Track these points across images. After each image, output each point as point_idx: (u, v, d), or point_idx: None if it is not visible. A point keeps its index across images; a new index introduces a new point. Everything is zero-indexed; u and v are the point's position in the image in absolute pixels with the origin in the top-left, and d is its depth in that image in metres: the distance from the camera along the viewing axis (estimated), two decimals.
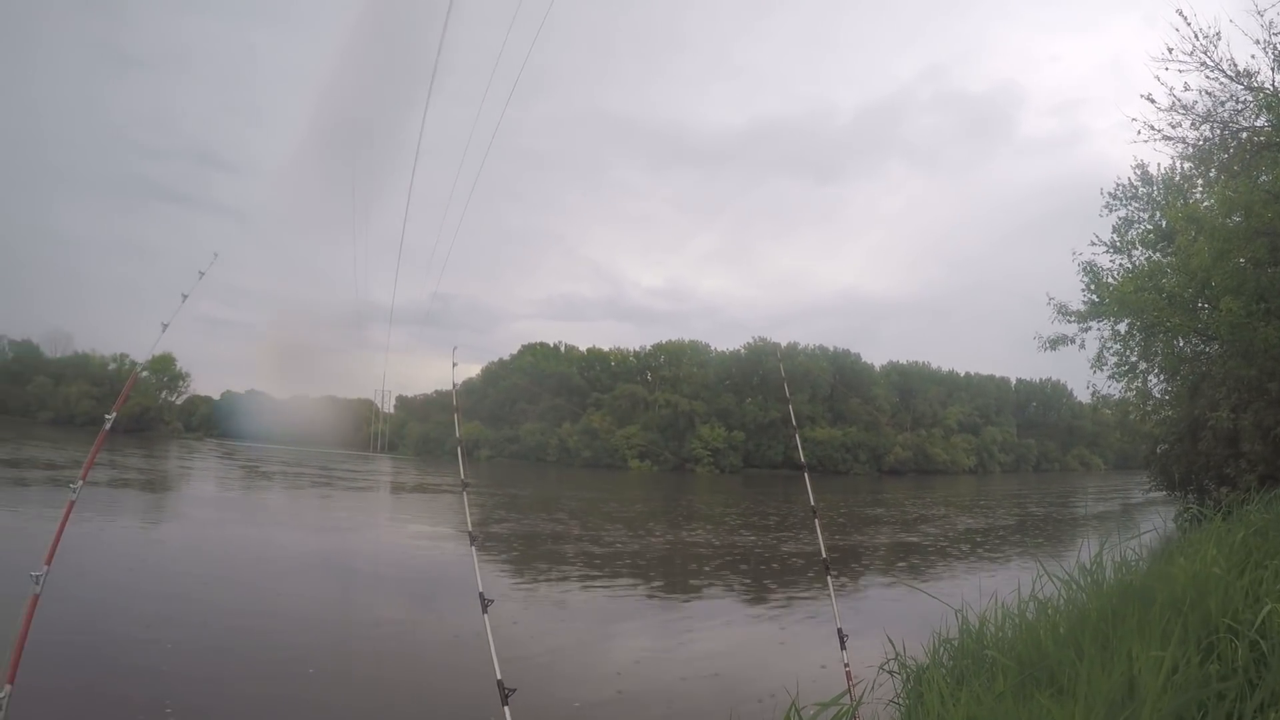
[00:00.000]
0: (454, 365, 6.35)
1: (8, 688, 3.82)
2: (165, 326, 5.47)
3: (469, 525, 5.46)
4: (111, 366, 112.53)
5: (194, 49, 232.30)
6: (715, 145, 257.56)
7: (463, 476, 5.90)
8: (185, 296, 5.63)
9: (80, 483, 4.58)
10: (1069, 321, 25.07)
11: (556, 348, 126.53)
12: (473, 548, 5.43)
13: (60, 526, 4.38)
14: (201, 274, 5.87)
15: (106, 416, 5.08)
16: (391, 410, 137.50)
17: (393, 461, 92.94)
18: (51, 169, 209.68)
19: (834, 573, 6.77)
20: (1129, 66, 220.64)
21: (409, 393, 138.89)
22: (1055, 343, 25.47)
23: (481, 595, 5.00)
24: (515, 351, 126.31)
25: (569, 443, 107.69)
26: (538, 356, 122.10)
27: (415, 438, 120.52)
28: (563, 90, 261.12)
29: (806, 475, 7.36)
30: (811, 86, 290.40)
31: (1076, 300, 24.97)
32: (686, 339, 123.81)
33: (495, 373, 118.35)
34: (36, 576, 4.12)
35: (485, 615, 4.92)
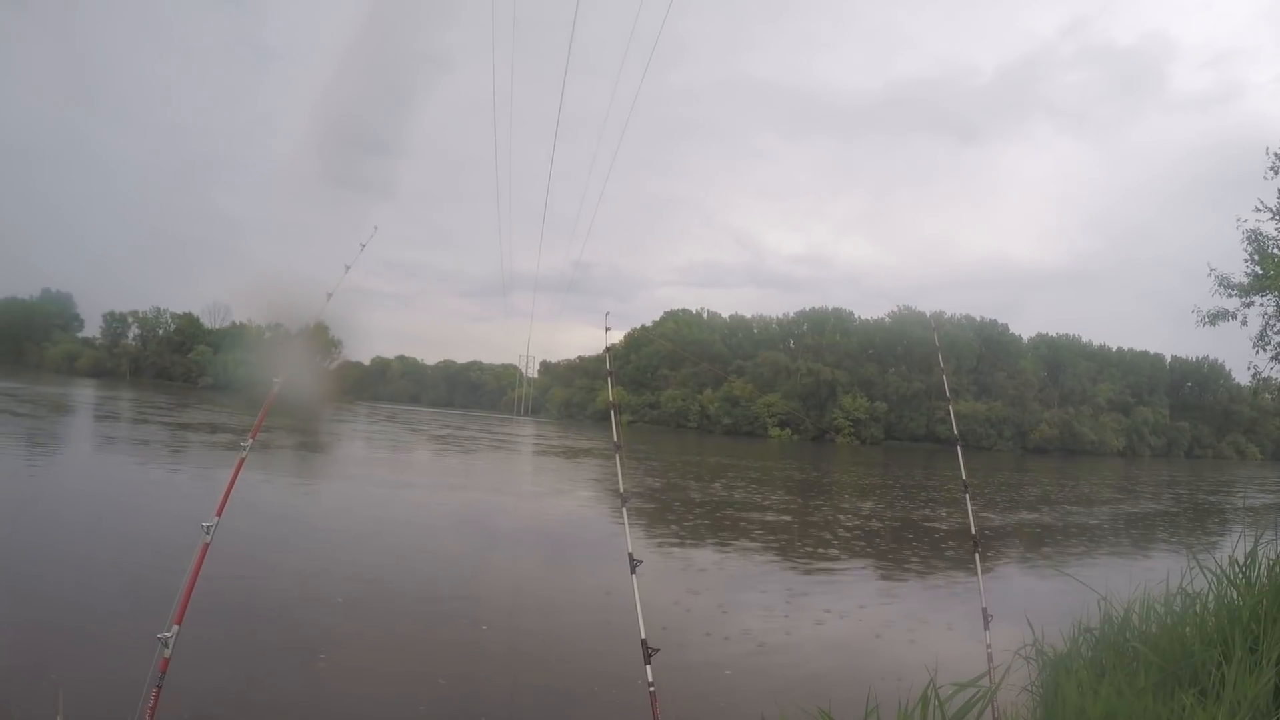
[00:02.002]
0: (606, 330, 6.44)
1: (175, 628, 4.03)
2: (330, 296, 5.70)
3: (621, 488, 5.55)
4: (267, 335, 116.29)
5: (325, 35, 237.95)
6: (853, 109, 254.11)
7: (615, 439, 5.97)
8: (348, 267, 5.85)
9: (250, 441, 4.82)
10: (1230, 295, 24.00)
11: (699, 314, 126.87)
12: (624, 509, 5.50)
13: (231, 480, 4.58)
14: (363, 246, 6.07)
15: (275, 379, 5.31)
16: (536, 375, 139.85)
17: (537, 425, 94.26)
18: (212, 158, 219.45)
19: (980, 551, 6.69)
20: None
21: (553, 358, 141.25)
22: (1215, 318, 24.35)
23: (630, 556, 5.07)
24: (658, 318, 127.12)
25: (709, 409, 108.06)
26: (680, 323, 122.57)
27: (559, 402, 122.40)
28: (699, 59, 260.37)
29: (959, 450, 7.28)
30: (948, 46, 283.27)
31: (1239, 272, 23.92)
32: (829, 306, 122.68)
33: (638, 339, 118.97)
34: (207, 527, 4.34)
35: (634, 576, 5.00)
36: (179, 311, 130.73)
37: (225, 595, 9.88)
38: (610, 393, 6.75)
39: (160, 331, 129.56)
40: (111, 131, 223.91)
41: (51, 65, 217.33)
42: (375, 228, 6.33)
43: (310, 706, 7.77)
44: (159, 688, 3.97)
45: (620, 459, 6.01)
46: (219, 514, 4.41)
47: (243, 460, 4.74)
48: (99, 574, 11.67)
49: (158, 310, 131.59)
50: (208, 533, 4.33)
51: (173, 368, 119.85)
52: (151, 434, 35.07)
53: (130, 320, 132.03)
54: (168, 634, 3.98)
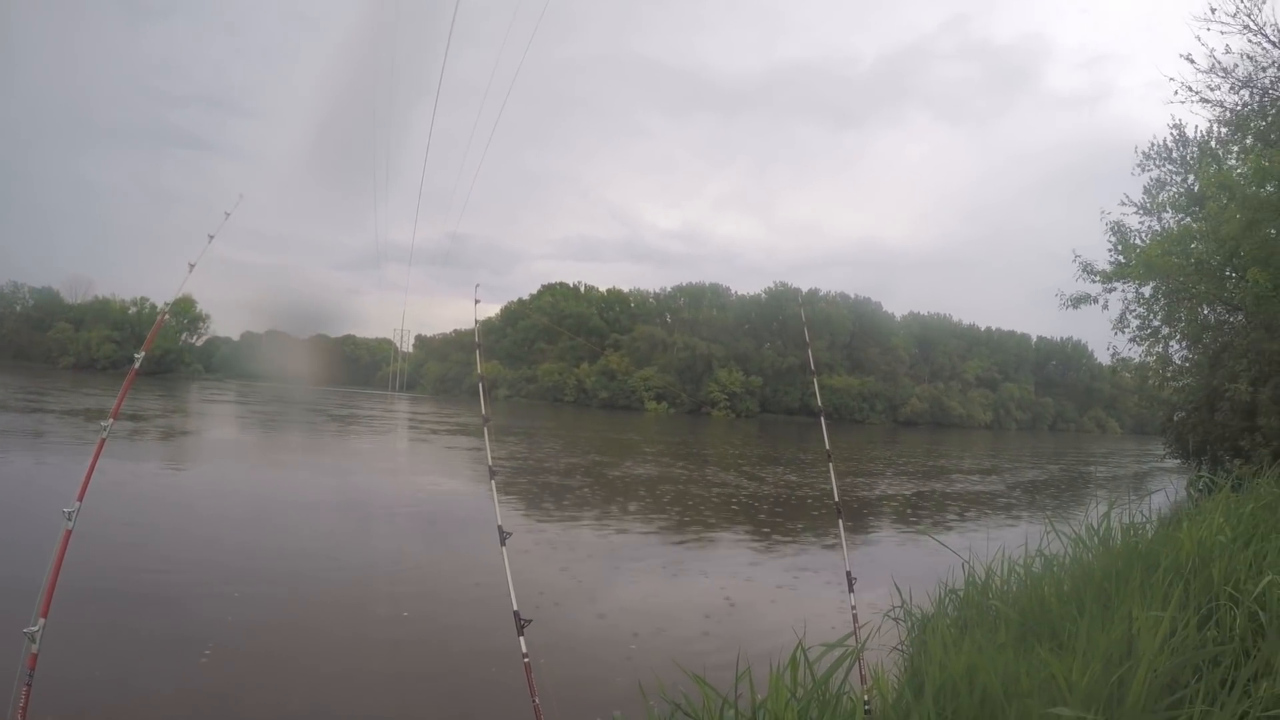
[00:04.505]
0: (476, 303, 6.37)
1: (41, 621, 3.90)
2: (192, 267, 5.49)
3: (489, 460, 5.53)
4: (132, 310, 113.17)
5: None
6: (734, 89, 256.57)
7: (484, 412, 5.98)
8: (211, 237, 5.64)
9: (110, 421, 4.61)
10: (1093, 281, 24.93)
11: (576, 288, 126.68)
12: (492, 483, 5.50)
13: (92, 463, 4.41)
14: (227, 214, 5.87)
15: (135, 356, 5.10)
16: (410, 350, 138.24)
17: (411, 401, 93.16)
18: (71, 117, 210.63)
19: (845, 519, 6.84)
20: (1164, 24, 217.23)
21: (428, 332, 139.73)
22: (1078, 301, 25.34)
23: (500, 529, 5.07)
24: (535, 291, 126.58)
25: (586, 383, 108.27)
26: (557, 296, 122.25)
27: (434, 377, 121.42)
28: (583, 34, 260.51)
29: (823, 421, 7.44)
30: (831, 33, 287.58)
31: (1102, 260, 24.82)
32: (706, 282, 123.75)
33: (515, 312, 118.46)
34: (68, 512, 4.16)
35: (504, 548, 5.00)
36: (37, 286, 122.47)
37: (96, 584, 9.64)
38: (479, 366, 6.77)
39: (18, 308, 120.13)
40: None
41: None
42: (240, 195, 6.18)
43: (191, 699, 7.58)
44: (29, 685, 3.87)
45: (488, 432, 6.00)
46: (80, 498, 4.26)
47: (103, 441, 4.54)
48: None
49: (15, 285, 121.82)
50: (69, 519, 4.17)
51: (31, 347, 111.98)
52: (16, 422, 33.62)
53: None
54: (34, 628, 3.87)
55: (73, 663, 7.33)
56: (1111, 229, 24.54)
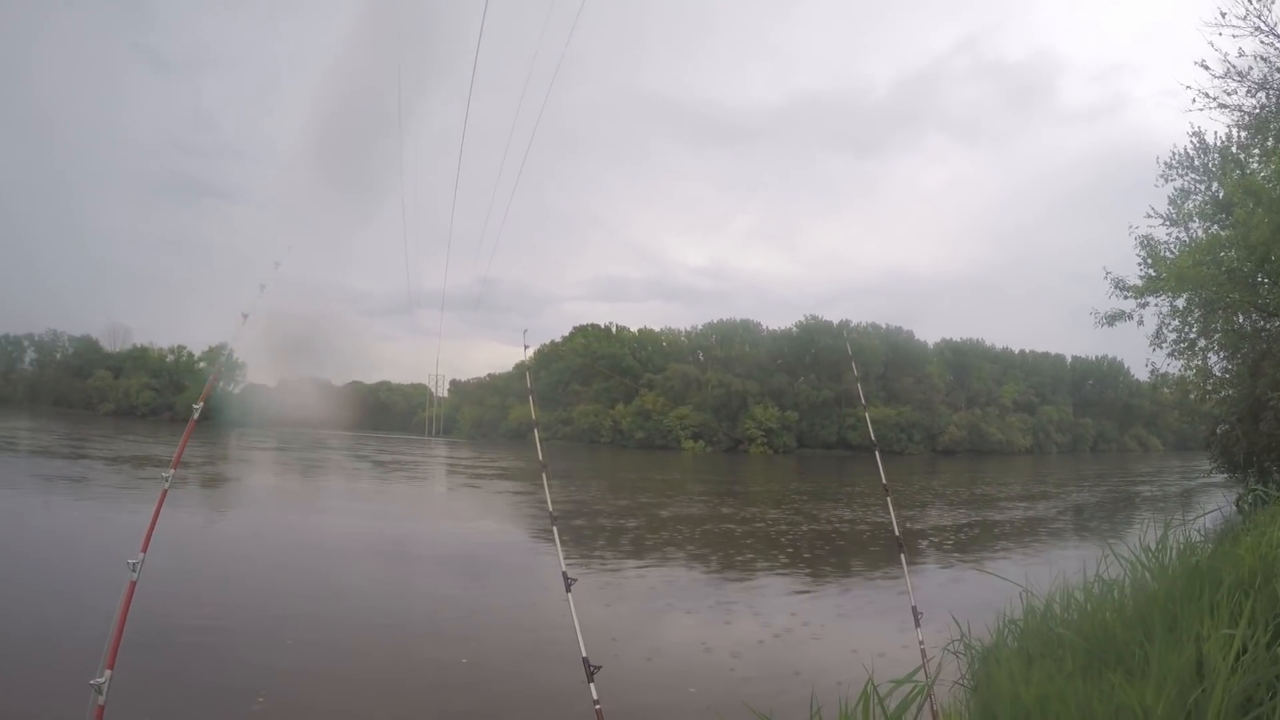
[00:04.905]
0: (525, 348, 6.45)
1: (107, 673, 3.90)
2: (246, 317, 5.59)
3: (550, 506, 5.59)
4: (169, 359, 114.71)
5: (221, 49, 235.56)
6: (753, 123, 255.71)
7: (540, 458, 6.01)
8: (263, 287, 5.71)
9: (171, 471, 4.68)
10: (1126, 297, 24.63)
11: (608, 329, 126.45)
12: (555, 529, 5.55)
13: (155, 514, 4.44)
14: (277, 264, 5.95)
15: (195, 406, 5.24)
16: (446, 394, 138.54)
17: (449, 445, 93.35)
18: (102, 171, 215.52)
19: (902, 554, 6.84)
20: (1173, 31, 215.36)
21: (462, 377, 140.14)
22: (1112, 319, 25.06)
23: (565, 575, 5.12)
24: (567, 333, 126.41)
25: (622, 424, 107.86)
26: (589, 338, 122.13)
27: (470, 421, 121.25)
28: (599, 74, 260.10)
29: (877, 455, 7.46)
30: (845, 61, 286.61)
31: (1134, 275, 24.56)
32: (737, 318, 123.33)
33: (548, 355, 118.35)
34: (133, 564, 4.18)
35: (569, 595, 5.04)
36: (77, 334, 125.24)
37: (151, 633, 9.69)
38: (533, 411, 6.80)
39: (58, 356, 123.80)
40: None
41: None
42: (289, 247, 6.28)
43: None
44: None
45: (546, 477, 6.05)
46: (144, 549, 4.30)
47: (165, 492, 4.63)
48: (23, 619, 11.30)
49: (54, 333, 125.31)
50: (134, 570, 4.20)
51: (72, 394, 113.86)
52: (65, 469, 33.95)
53: (26, 344, 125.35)
54: (100, 679, 3.88)
55: (136, 713, 7.37)
56: (1140, 243, 24.18)
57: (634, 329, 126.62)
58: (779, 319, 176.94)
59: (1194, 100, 20.39)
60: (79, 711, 3.91)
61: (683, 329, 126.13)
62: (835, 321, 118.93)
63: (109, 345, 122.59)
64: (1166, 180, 24.09)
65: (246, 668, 9.73)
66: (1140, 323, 24.82)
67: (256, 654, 10.25)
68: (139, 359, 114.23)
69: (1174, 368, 25.77)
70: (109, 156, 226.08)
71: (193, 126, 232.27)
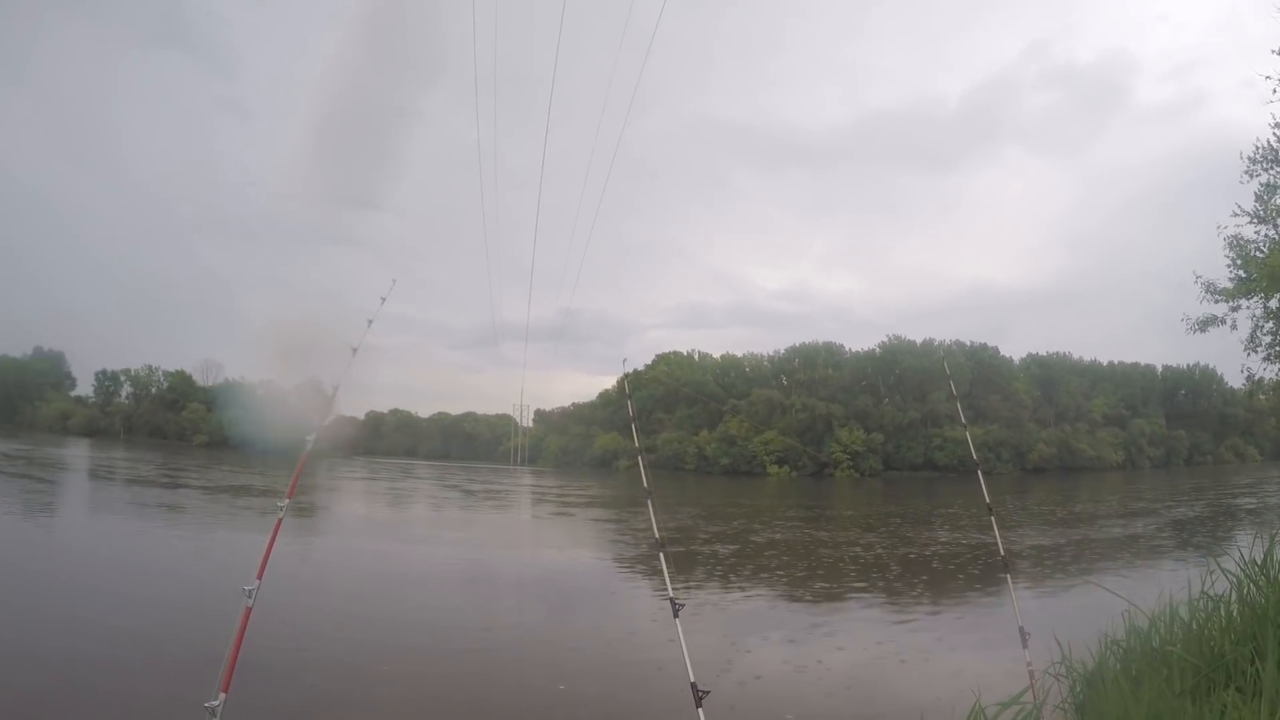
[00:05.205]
0: (625, 376, 6.57)
1: (222, 696, 4.02)
2: (355, 351, 5.79)
3: (656, 533, 5.67)
4: (260, 393, 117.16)
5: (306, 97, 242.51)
6: (827, 143, 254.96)
7: (646, 485, 6.07)
8: (370, 322, 5.95)
9: (286, 501, 4.84)
10: (1217, 300, 23.96)
11: (690, 356, 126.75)
12: (662, 555, 5.60)
13: (270, 542, 4.58)
14: (383, 300, 6.17)
15: (308, 439, 5.42)
16: (530, 424, 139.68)
17: (534, 474, 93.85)
18: (200, 218, 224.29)
19: (999, 573, 6.82)
20: (1247, 19, 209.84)
21: (546, 406, 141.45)
22: (1205, 324, 24.33)
23: (672, 600, 5.15)
24: (649, 361, 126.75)
25: (706, 450, 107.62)
26: (673, 365, 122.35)
27: (554, 450, 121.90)
28: (671, 102, 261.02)
29: (980, 474, 7.43)
30: (915, 77, 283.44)
31: (1223, 277, 23.87)
32: (820, 341, 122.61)
33: (631, 382, 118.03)
34: (249, 590, 4.31)
35: (677, 620, 5.09)
36: (171, 369, 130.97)
37: (265, 659, 9.94)
38: (635, 439, 6.81)
39: (153, 389, 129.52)
40: (103, 195, 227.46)
41: (43, 130, 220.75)
42: (394, 281, 6.49)
43: None
44: None
45: (652, 505, 6.13)
46: (259, 577, 4.43)
47: (280, 521, 4.76)
48: (141, 643, 11.64)
49: (150, 368, 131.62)
50: (249, 597, 4.33)
51: (166, 426, 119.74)
52: (166, 497, 34.96)
53: (123, 379, 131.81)
54: (215, 703, 4.01)
55: None
56: (1229, 243, 23.33)
57: (716, 355, 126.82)
58: (861, 340, 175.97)
59: (1275, 90, 19.89)
60: None
61: (765, 354, 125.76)
62: (918, 341, 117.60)
63: (202, 380, 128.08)
64: (1251, 176, 23.25)
65: (360, 694, 9.92)
66: (1234, 327, 24.01)
67: (369, 682, 10.43)
68: (230, 392, 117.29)
69: (1270, 372, 25.03)
70: (201, 201, 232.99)
71: (276, 170, 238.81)
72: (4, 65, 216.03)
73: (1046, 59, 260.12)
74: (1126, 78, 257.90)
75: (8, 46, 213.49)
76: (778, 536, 30.34)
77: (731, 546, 26.24)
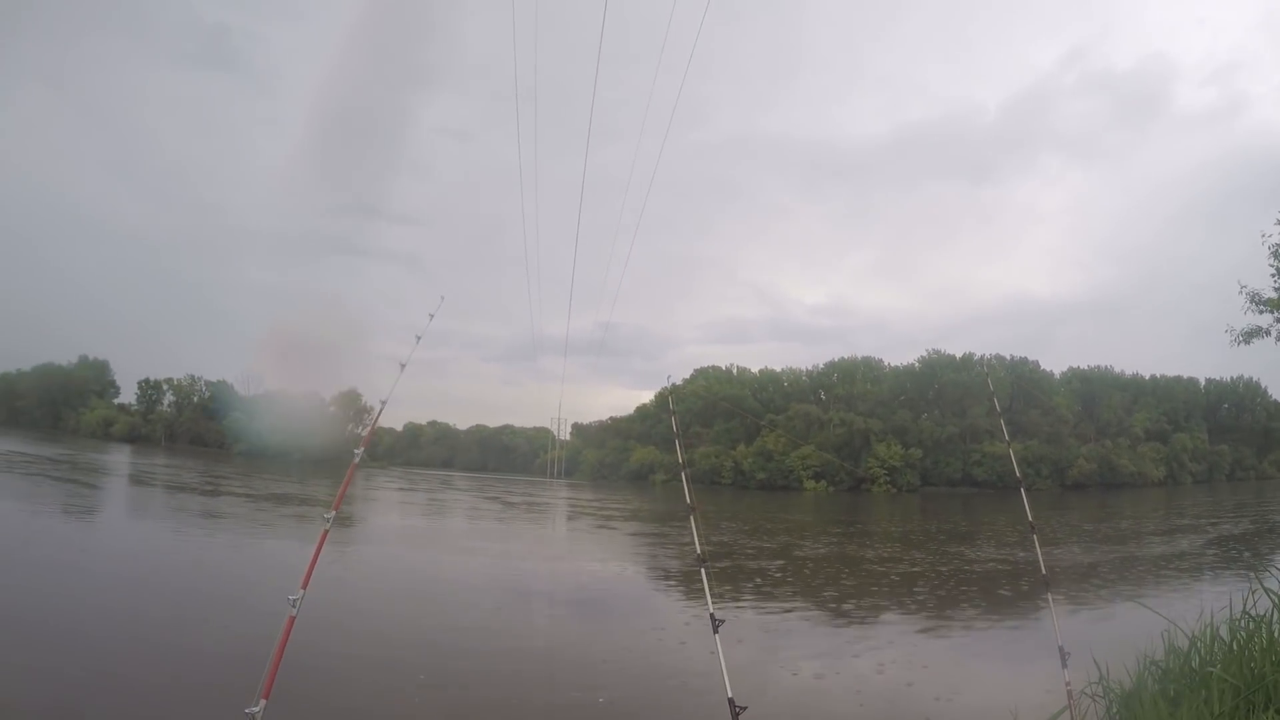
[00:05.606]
0: (669, 388, 6.65)
1: (262, 702, 4.04)
2: (403, 366, 5.88)
3: (699, 548, 5.71)
4: (300, 404, 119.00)
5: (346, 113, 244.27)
6: (864, 157, 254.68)
7: (689, 500, 6.07)
8: (419, 338, 6.03)
9: (333, 513, 4.86)
10: (1261, 311, 23.55)
11: (729, 370, 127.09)
12: (703, 570, 5.59)
13: (316, 552, 4.61)
14: (431, 316, 6.28)
15: (356, 451, 5.45)
16: (568, 437, 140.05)
17: (571, 487, 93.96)
18: (241, 231, 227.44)
19: (1040, 591, 6.80)
20: None
21: (584, 420, 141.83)
22: (1249, 335, 23.89)
23: (713, 616, 5.18)
24: (688, 375, 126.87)
25: (744, 464, 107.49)
26: (710, 380, 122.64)
27: (591, 463, 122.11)
28: (705, 118, 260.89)
29: (1023, 492, 7.42)
30: (951, 87, 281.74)
31: (1269, 287, 23.45)
32: (858, 356, 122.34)
33: (672, 397, 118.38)
34: (293, 600, 4.35)
35: (716, 635, 5.11)
36: (213, 379, 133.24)
37: (306, 667, 10.01)
38: (679, 454, 6.74)
39: (195, 399, 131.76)
40: (148, 208, 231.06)
41: (89, 143, 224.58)
42: (442, 298, 6.62)
43: None
44: None
45: (695, 520, 6.14)
46: (304, 586, 4.46)
47: (326, 532, 4.78)
48: (184, 648, 11.80)
49: (192, 378, 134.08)
50: (294, 606, 4.37)
51: (207, 434, 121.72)
52: (213, 504, 35.44)
53: (165, 387, 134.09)
54: (255, 709, 4.05)
55: None
56: (1274, 252, 22.98)
57: (754, 370, 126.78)
58: (900, 355, 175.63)
59: None
60: None
61: (803, 368, 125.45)
62: (958, 355, 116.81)
63: (243, 390, 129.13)
64: None
65: (400, 706, 10.01)
66: (1279, 338, 23.75)
67: (392, 691, 10.46)
68: (270, 403, 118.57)
69: None
70: (243, 213, 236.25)
71: (319, 187, 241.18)
72: (47, 77, 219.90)
73: (1084, 66, 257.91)
74: (1166, 84, 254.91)
75: (52, 60, 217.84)
76: (819, 552, 30.24)
77: (775, 562, 26.16)
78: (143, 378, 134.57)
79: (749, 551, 28.98)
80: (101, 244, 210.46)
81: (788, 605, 18.71)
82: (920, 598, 19.88)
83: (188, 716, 9.05)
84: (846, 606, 18.60)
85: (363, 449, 5.55)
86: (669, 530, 36.57)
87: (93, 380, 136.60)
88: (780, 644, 14.55)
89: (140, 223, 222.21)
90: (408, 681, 10.96)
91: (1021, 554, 27.06)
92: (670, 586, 21.27)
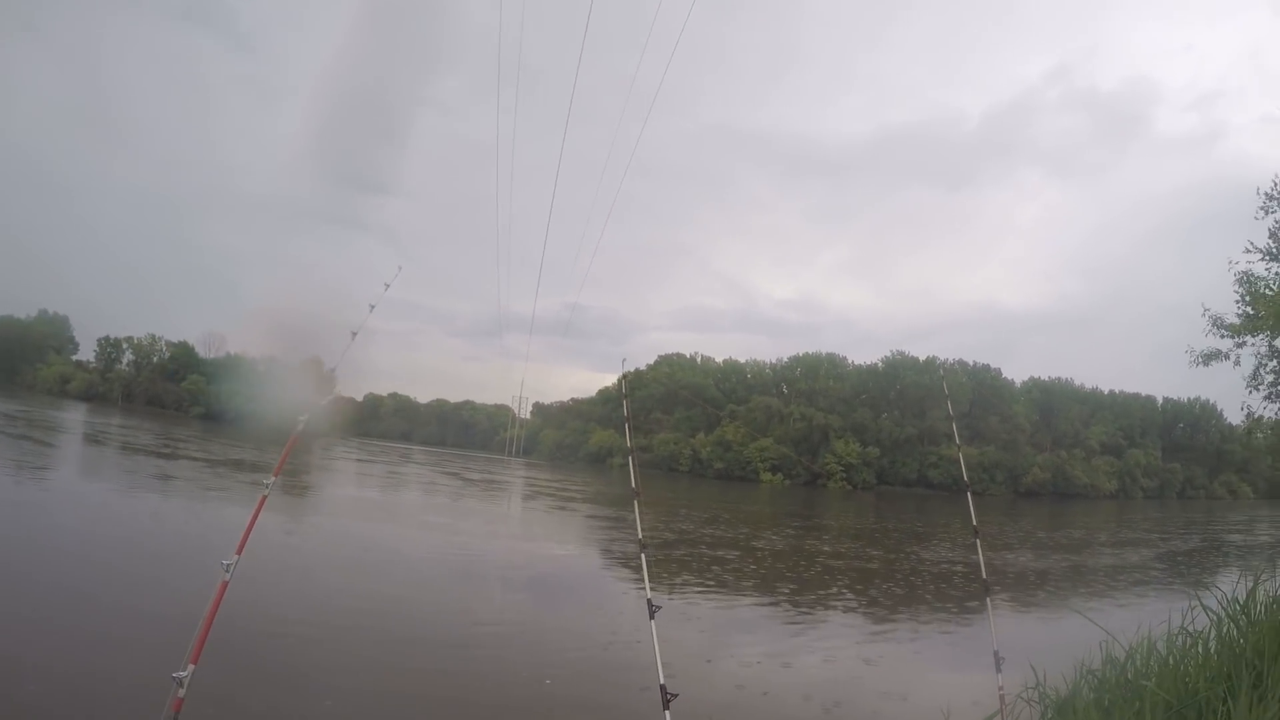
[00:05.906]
0: (624, 374, 6.54)
1: (190, 667, 4.00)
2: (354, 335, 5.79)
3: (640, 533, 5.66)
4: (262, 369, 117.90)
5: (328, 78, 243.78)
6: (843, 156, 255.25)
7: (634, 485, 6.00)
8: (373, 307, 5.92)
9: (273, 479, 4.80)
10: (1223, 335, 23.81)
11: (693, 359, 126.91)
12: (643, 556, 5.56)
13: (252, 519, 4.55)
14: (387, 286, 6.15)
15: (300, 419, 5.36)
16: (528, 416, 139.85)
17: (528, 466, 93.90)
18: (212, 190, 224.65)
19: (988, 597, 6.81)
20: (1273, 54, 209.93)
21: (545, 400, 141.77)
22: (1208, 358, 24.13)
23: (649, 602, 5.13)
24: (652, 361, 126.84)
25: (702, 453, 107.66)
26: (674, 367, 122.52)
27: (550, 443, 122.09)
28: (690, 106, 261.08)
29: (969, 496, 7.44)
30: (936, 93, 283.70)
31: (1231, 313, 23.70)
32: (823, 352, 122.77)
33: (632, 382, 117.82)
34: (227, 565, 4.30)
35: (652, 622, 5.08)
36: (174, 340, 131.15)
37: (242, 635, 9.91)
38: (628, 439, 6.72)
39: (154, 359, 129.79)
40: (117, 160, 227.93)
41: (59, 90, 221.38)
42: (399, 268, 6.48)
43: None
44: None
45: (638, 506, 6.10)
46: (239, 552, 4.40)
47: (264, 499, 4.72)
48: (111, 611, 11.63)
49: (153, 338, 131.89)
50: (227, 571, 4.31)
51: (164, 395, 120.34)
52: (164, 466, 35.07)
53: (125, 346, 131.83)
54: (183, 673, 3.98)
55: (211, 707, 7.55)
56: (1239, 279, 22.99)
57: (719, 359, 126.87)
58: (864, 354, 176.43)
59: None
60: (160, 703, 3.95)
61: (768, 361, 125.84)
62: (922, 357, 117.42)
63: (204, 352, 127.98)
64: (1267, 212, 23.05)
65: (324, 675, 9.92)
66: (1237, 363, 23.87)
67: (331, 663, 10.39)
68: (232, 366, 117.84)
69: (1270, 411, 24.88)
70: (214, 175, 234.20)
71: (291, 150, 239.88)
72: (22, 14, 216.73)
73: (1069, 83, 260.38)
74: (1148, 106, 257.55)
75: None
76: (772, 544, 30.36)
77: (732, 552, 26.27)
78: (103, 335, 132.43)
79: (707, 540, 29.02)
80: (66, 198, 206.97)
81: (739, 595, 18.81)
82: (868, 594, 20.01)
83: (115, 673, 8.92)
84: (795, 599, 18.71)
85: (306, 417, 5.40)
86: (626, 513, 36.54)
87: (51, 335, 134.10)
88: (726, 633, 14.61)
89: (108, 177, 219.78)
90: (347, 656, 10.88)
91: (974, 556, 27.20)
92: (623, 570, 21.28)
